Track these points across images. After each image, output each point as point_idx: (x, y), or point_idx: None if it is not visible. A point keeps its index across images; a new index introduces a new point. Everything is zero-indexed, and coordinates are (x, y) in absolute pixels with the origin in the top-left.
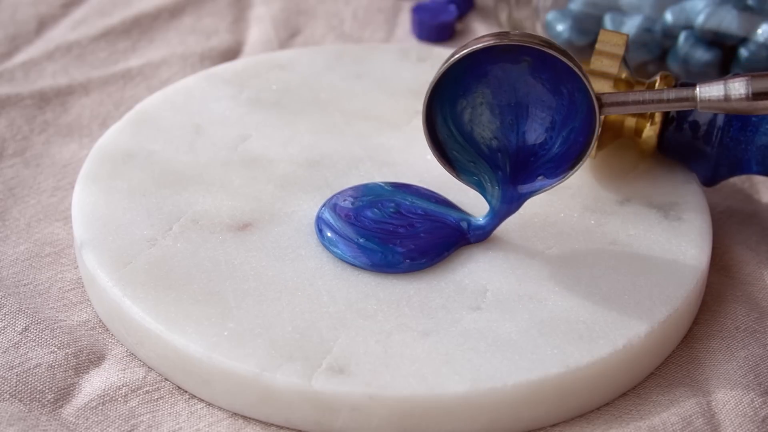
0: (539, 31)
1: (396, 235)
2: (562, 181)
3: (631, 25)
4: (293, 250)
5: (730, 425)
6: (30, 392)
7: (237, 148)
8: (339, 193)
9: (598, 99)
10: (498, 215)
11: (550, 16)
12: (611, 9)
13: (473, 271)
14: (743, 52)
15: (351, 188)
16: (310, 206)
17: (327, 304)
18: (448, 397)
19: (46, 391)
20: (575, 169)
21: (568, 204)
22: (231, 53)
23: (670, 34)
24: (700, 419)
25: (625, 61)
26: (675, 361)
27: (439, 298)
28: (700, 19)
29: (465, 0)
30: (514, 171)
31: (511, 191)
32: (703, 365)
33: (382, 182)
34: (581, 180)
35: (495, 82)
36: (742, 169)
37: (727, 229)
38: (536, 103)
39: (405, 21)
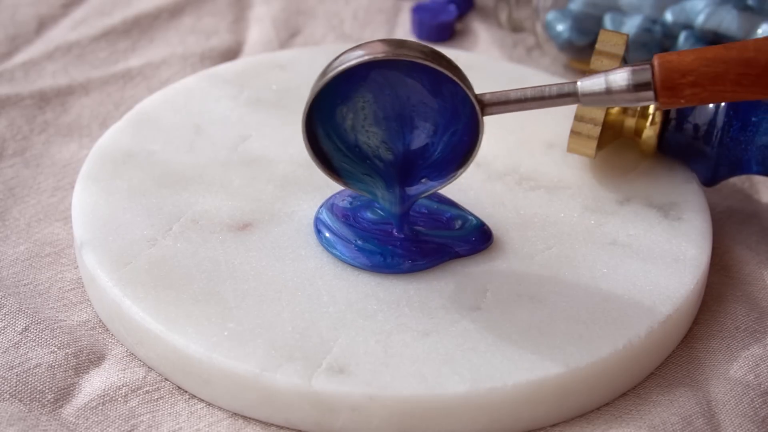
0: (539, 31)
1: (396, 237)
2: (450, 182)
3: (631, 25)
4: (293, 250)
5: (730, 425)
6: (30, 392)
7: (237, 148)
8: (338, 193)
9: (480, 101)
10: (394, 218)
11: (550, 16)
12: (611, 9)
13: (473, 271)
14: None
15: None
16: (310, 206)
17: (327, 304)
18: (448, 397)
19: (46, 391)
20: (462, 170)
21: (568, 204)
22: (231, 53)
23: (670, 34)
24: (700, 419)
25: (625, 61)
26: (675, 361)
27: (439, 298)
28: (700, 19)
29: (465, 0)
30: (401, 175)
31: (401, 193)
32: (703, 365)
33: None
34: (581, 180)
35: (375, 86)
36: (742, 169)
37: (727, 229)
38: (419, 107)
39: (405, 21)
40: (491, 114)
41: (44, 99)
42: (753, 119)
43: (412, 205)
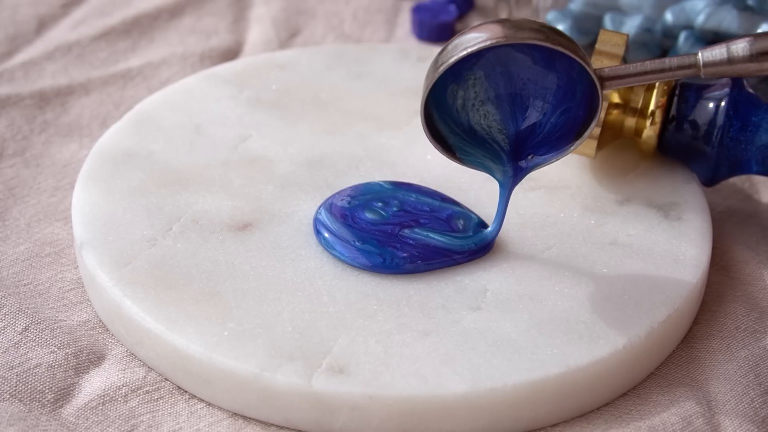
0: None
1: (397, 239)
2: (566, 154)
3: (631, 25)
4: (293, 250)
5: (730, 425)
6: (30, 392)
7: (237, 148)
8: (337, 193)
9: (599, 77)
10: (504, 196)
11: (550, 16)
12: (611, 9)
13: (473, 271)
14: None
15: (350, 188)
16: (310, 206)
17: (327, 304)
18: (448, 397)
19: (46, 391)
20: (579, 142)
21: (568, 204)
22: (231, 53)
23: (670, 34)
24: (700, 419)
25: (625, 61)
26: (675, 361)
27: (439, 298)
28: (700, 19)
29: (465, 0)
30: (515, 150)
31: (515, 168)
32: (703, 365)
33: (382, 181)
34: (581, 180)
35: (487, 65)
36: (742, 169)
37: (727, 229)
38: (531, 85)
39: (405, 21)
40: (610, 88)
41: (44, 99)
42: (753, 119)
43: (525, 175)
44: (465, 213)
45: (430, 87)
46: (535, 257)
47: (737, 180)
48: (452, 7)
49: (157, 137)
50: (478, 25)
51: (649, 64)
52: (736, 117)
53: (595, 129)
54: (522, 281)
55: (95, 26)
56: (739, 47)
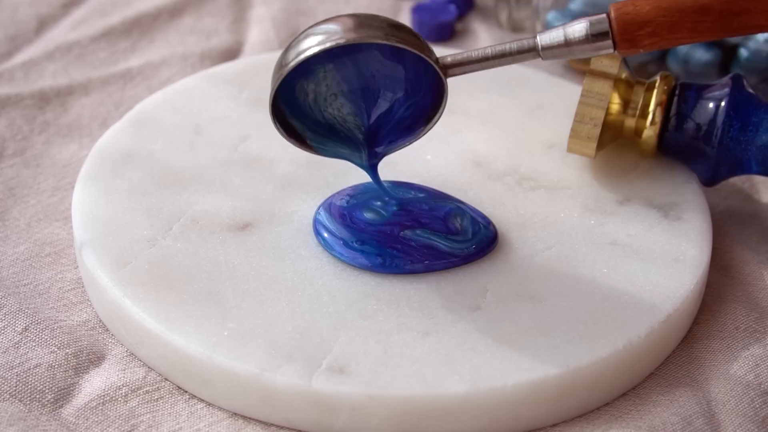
0: (539, 31)
1: (397, 240)
2: (415, 140)
3: None
4: (293, 250)
5: (730, 425)
6: (30, 392)
7: (237, 148)
8: (337, 193)
9: (442, 67)
10: (372, 176)
11: (550, 16)
12: None
13: (473, 271)
14: (743, 52)
15: (350, 187)
16: (310, 206)
17: (327, 304)
18: (448, 397)
19: (46, 391)
20: (428, 128)
21: (568, 204)
22: (231, 53)
23: None
24: (700, 419)
25: (625, 61)
26: (675, 361)
27: (439, 298)
28: None
29: (465, 0)
30: (369, 139)
31: (370, 153)
32: (703, 365)
33: (383, 181)
34: (581, 180)
35: (336, 58)
36: (742, 169)
37: (727, 229)
38: (381, 76)
39: (405, 21)
40: (454, 75)
41: (44, 99)
42: (753, 119)
43: (382, 158)
44: (463, 210)
45: (276, 87)
46: (535, 257)
47: (737, 180)
48: (452, 7)
49: (157, 137)
50: (327, 20)
51: (490, 50)
52: (736, 117)
53: (594, 129)
54: (522, 281)
55: (95, 26)
56: (575, 29)
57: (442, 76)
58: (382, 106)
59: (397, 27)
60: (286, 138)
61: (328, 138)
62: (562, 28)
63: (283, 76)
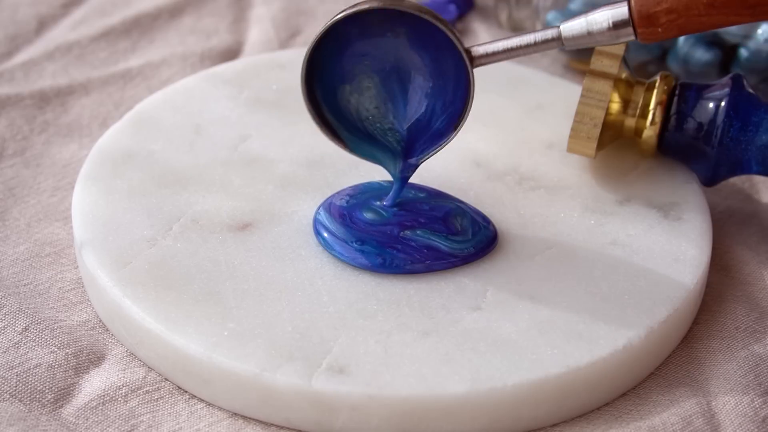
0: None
1: (398, 240)
2: (445, 145)
3: None
4: (293, 250)
5: (730, 425)
6: (30, 392)
7: (237, 148)
8: (337, 193)
9: (468, 53)
10: (399, 185)
11: (550, 16)
12: None
13: (473, 271)
14: (743, 52)
15: (350, 187)
16: (310, 206)
17: (327, 304)
18: (448, 397)
19: (46, 391)
20: (456, 132)
21: (568, 204)
22: (231, 53)
23: None
24: (700, 419)
25: (625, 61)
26: (675, 361)
27: (439, 298)
28: None
29: (465, 0)
30: (406, 150)
31: (405, 165)
32: (703, 365)
33: (382, 180)
34: (581, 180)
35: (377, 63)
36: (742, 169)
37: (727, 229)
38: (420, 80)
39: None
40: (480, 65)
41: (44, 99)
42: (753, 119)
43: (415, 170)
44: (463, 210)
45: (309, 52)
46: (535, 257)
47: (737, 180)
48: (452, 7)
49: (157, 137)
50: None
51: (516, 41)
52: (736, 117)
53: (594, 129)
54: (522, 281)
55: (95, 26)
56: (597, 17)
57: (469, 67)
58: (421, 117)
59: (431, 12)
60: (320, 127)
61: (365, 142)
62: (585, 17)
63: (328, 25)
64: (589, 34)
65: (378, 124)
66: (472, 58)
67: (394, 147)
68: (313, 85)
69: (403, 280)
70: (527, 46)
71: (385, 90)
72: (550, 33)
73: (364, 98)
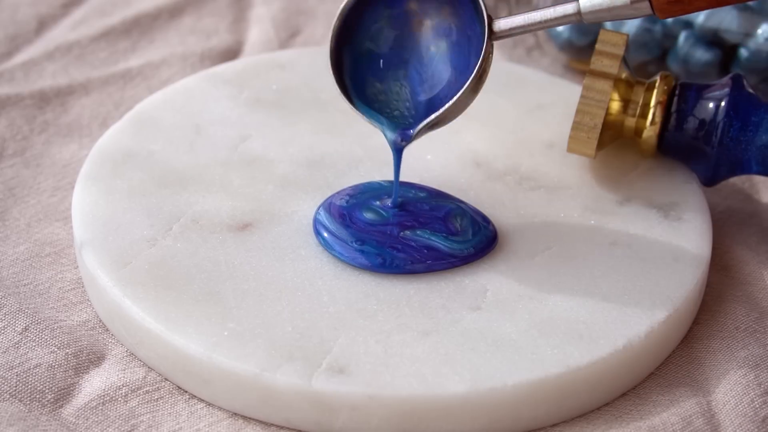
0: (539, 31)
1: (397, 240)
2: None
3: (631, 25)
4: (293, 250)
5: (730, 425)
6: (30, 392)
7: (237, 148)
8: (337, 193)
9: (491, 32)
10: (397, 157)
11: None
12: None
13: (473, 271)
14: (743, 52)
15: (350, 187)
16: (310, 206)
17: (327, 304)
18: (448, 397)
19: (46, 391)
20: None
21: (568, 204)
22: (231, 53)
23: (670, 34)
24: (700, 419)
25: (625, 61)
26: (675, 361)
27: (439, 298)
28: (700, 19)
29: None
30: (413, 116)
31: (403, 134)
32: (703, 365)
33: (382, 180)
34: (581, 180)
35: (399, 26)
36: (742, 169)
37: (727, 229)
38: (441, 45)
39: None
40: (499, 38)
41: (44, 99)
42: (753, 119)
43: (411, 142)
44: (463, 210)
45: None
46: (535, 257)
47: (737, 180)
48: None
49: (157, 137)
50: None
51: (535, 15)
52: (736, 117)
53: (594, 129)
54: (522, 281)
55: (95, 26)
56: None
57: (486, 36)
58: (435, 84)
59: None
60: (336, 80)
61: (375, 101)
62: None
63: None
64: (609, 10)
65: (393, 88)
66: (492, 32)
67: (403, 113)
68: (342, 46)
69: (403, 280)
70: (545, 21)
71: (404, 54)
72: (570, 7)
73: (384, 60)
